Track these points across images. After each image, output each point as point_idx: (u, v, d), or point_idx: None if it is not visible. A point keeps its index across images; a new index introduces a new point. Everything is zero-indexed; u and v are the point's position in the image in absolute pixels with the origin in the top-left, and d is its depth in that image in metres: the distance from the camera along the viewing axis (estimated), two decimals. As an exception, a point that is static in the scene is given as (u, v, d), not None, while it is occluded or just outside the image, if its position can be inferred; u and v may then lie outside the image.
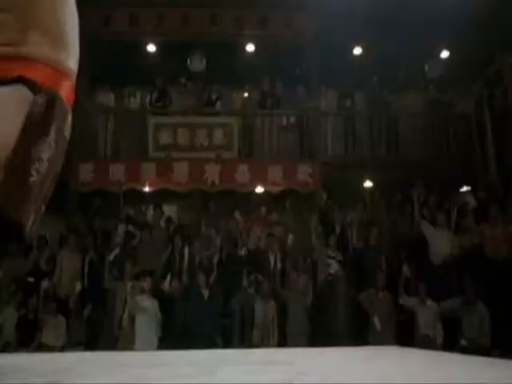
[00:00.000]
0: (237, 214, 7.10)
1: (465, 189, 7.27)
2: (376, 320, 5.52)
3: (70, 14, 1.29)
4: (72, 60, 1.28)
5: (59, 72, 1.23)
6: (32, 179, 1.13)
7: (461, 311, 5.29)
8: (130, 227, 6.79)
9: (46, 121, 1.16)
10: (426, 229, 6.08)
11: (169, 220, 7.03)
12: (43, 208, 1.19)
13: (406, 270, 5.96)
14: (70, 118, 1.27)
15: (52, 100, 1.18)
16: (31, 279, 6.30)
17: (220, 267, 6.20)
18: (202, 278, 5.76)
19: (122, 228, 6.93)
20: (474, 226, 5.88)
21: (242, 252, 6.37)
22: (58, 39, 1.24)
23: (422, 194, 6.63)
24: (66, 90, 1.24)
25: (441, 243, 5.89)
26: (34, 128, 1.14)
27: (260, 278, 6.01)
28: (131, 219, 7.16)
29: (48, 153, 1.17)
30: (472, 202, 6.39)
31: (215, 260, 6.30)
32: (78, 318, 5.79)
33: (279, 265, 6.30)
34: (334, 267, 6.14)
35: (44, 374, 1.64)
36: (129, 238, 6.56)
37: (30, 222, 1.13)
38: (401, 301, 5.69)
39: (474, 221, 5.98)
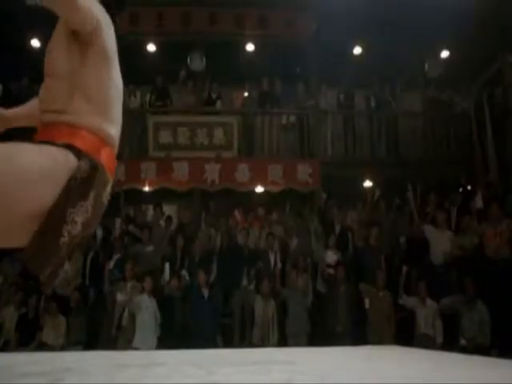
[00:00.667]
0: (236, 213, 7.10)
1: (469, 189, 7.28)
2: (367, 303, 5.56)
3: (115, 86, 1.39)
4: (114, 128, 1.36)
5: (101, 140, 1.31)
6: (62, 240, 1.19)
7: (460, 309, 5.29)
8: (131, 227, 6.78)
9: (87, 186, 1.23)
10: (427, 231, 6.07)
11: (169, 219, 7.04)
12: (65, 263, 1.24)
13: (405, 270, 5.96)
14: (109, 185, 1.34)
15: (94, 168, 1.25)
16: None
17: (220, 266, 6.20)
18: (202, 277, 5.76)
19: (118, 222, 6.95)
20: (474, 226, 5.87)
21: (242, 251, 6.37)
22: (102, 109, 1.32)
23: (419, 194, 6.61)
24: (107, 158, 1.32)
25: (441, 243, 5.88)
26: (74, 191, 1.20)
27: (261, 267, 6.03)
28: (131, 219, 7.17)
29: (83, 217, 1.22)
30: (479, 203, 6.38)
31: (215, 259, 6.30)
32: (78, 317, 5.79)
33: (279, 264, 6.30)
34: (334, 258, 6.15)
35: (45, 373, 1.64)
36: (129, 237, 6.56)
37: (46, 275, 1.20)
38: (401, 301, 5.70)
39: (474, 220, 5.97)
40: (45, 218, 1.16)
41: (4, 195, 1.11)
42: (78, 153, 1.23)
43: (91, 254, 6.33)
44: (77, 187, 1.20)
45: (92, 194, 1.24)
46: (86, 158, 1.24)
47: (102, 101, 1.33)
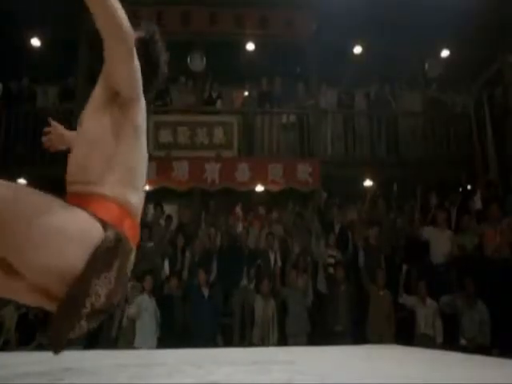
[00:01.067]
0: (237, 209, 7.08)
1: (469, 189, 7.28)
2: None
3: (142, 157, 1.41)
4: (137, 196, 1.37)
5: (126, 211, 1.33)
6: (84, 311, 1.21)
7: (460, 308, 5.29)
8: None
9: (111, 257, 1.24)
10: (426, 233, 6.07)
11: (169, 218, 7.03)
12: (84, 325, 1.24)
13: (405, 269, 5.96)
14: (133, 256, 1.35)
15: (118, 238, 1.26)
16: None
17: (220, 266, 6.20)
18: (202, 276, 5.76)
19: None
20: (474, 226, 5.87)
21: (242, 251, 6.37)
22: (129, 179, 1.35)
23: (419, 195, 6.61)
24: (130, 228, 1.33)
25: (441, 243, 5.89)
26: (99, 262, 1.21)
27: (261, 267, 6.03)
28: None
29: (107, 288, 1.23)
30: (478, 203, 6.39)
31: (215, 259, 6.30)
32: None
33: (279, 264, 6.31)
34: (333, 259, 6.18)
35: (45, 372, 1.64)
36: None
37: (65, 336, 1.22)
38: (401, 300, 5.70)
39: (474, 220, 5.98)
40: (70, 289, 1.18)
41: (45, 245, 1.14)
42: (104, 223, 1.25)
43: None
44: (102, 257, 1.21)
45: (116, 265, 1.25)
46: (112, 229, 1.26)
47: (129, 172, 1.35)
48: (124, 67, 1.30)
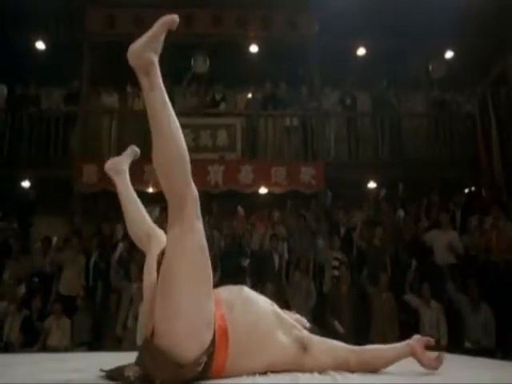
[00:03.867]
0: (240, 210, 7.06)
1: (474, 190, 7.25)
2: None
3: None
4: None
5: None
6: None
7: (464, 310, 5.27)
8: None
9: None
10: (429, 238, 6.04)
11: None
12: None
13: (410, 271, 5.94)
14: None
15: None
16: (36, 280, 6.32)
17: (223, 268, 6.19)
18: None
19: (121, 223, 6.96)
20: (477, 227, 5.85)
21: (246, 253, 6.36)
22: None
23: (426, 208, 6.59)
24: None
25: (445, 244, 5.86)
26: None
27: (265, 269, 6.02)
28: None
29: None
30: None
31: (218, 261, 6.29)
32: (83, 318, 5.80)
33: (283, 266, 6.29)
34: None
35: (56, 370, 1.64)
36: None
37: None
38: (406, 298, 5.65)
39: (478, 222, 5.95)
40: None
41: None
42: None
43: (95, 255, 6.35)
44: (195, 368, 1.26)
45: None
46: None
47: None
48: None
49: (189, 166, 1.33)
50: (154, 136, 1.25)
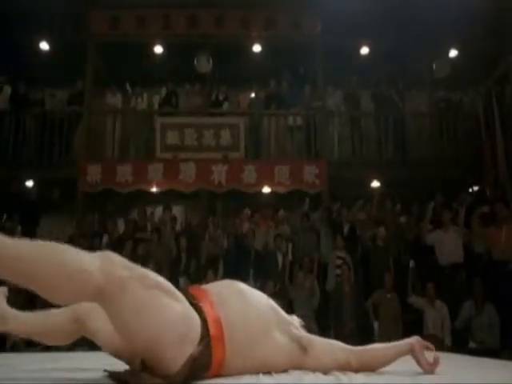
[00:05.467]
0: (246, 210, 7.07)
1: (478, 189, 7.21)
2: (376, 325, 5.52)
3: None
4: None
5: None
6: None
7: (469, 311, 5.25)
8: (139, 231, 6.80)
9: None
10: (431, 239, 6.01)
11: (174, 220, 7.03)
12: None
13: (412, 270, 5.92)
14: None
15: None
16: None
17: (227, 268, 6.19)
18: (210, 278, 5.76)
19: (124, 223, 7.00)
20: (482, 227, 5.82)
21: (249, 253, 6.36)
22: None
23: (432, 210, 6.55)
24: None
25: (449, 244, 5.83)
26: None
27: (268, 269, 6.01)
28: (138, 220, 7.18)
29: None
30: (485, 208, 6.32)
31: (222, 261, 6.30)
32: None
33: (287, 265, 6.29)
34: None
35: (62, 369, 1.65)
36: (137, 238, 6.58)
37: None
38: (410, 300, 5.65)
39: (482, 221, 5.92)
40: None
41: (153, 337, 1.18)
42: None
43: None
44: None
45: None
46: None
47: None
48: None
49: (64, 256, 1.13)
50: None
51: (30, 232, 7.20)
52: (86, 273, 1.12)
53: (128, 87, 8.27)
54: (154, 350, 1.19)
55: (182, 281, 5.84)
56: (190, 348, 1.23)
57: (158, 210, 7.63)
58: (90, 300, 1.18)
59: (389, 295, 5.65)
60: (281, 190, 7.74)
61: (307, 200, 7.30)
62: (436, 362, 1.44)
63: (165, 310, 1.21)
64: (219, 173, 7.66)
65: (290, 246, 6.55)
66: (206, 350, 1.26)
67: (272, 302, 1.50)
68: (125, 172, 7.63)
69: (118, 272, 1.17)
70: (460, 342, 5.17)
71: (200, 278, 6.00)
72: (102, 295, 1.14)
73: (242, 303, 1.40)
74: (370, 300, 5.72)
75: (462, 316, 5.29)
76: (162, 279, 1.27)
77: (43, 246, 1.13)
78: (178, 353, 1.21)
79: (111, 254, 1.23)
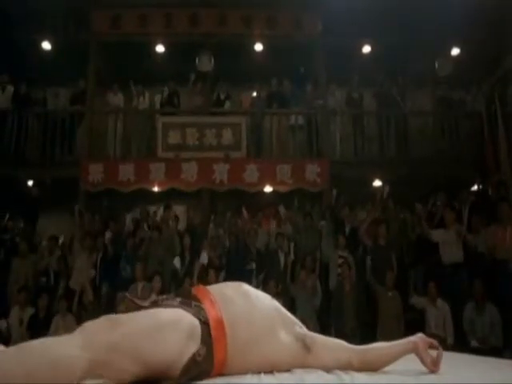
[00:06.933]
0: (244, 211, 7.07)
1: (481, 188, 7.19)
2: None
3: None
4: None
5: None
6: None
7: (470, 310, 5.24)
8: (141, 229, 6.81)
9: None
10: (435, 236, 5.99)
11: (176, 219, 7.04)
12: None
13: (415, 269, 5.91)
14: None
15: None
16: (43, 278, 6.36)
17: (228, 267, 6.20)
18: (212, 277, 5.76)
19: (127, 222, 7.01)
20: (484, 226, 5.80)
21: (251, 251, 6.36)
22: None
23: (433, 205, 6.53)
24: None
25: (451, 243, 5.82)
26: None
27: (269, 268, 6.00)
28: (140, 219, 7.19)
29: None
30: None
31: (224, 260, 6.30)
32: (89, 317, 5.82)
33: (289, 264, 6.29)
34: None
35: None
36: (139, 237, 6.58)
37: None
38: (411, 301, 5.64)
39: (484, 220, 5.90)
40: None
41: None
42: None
43: (101, 254, 6.37)
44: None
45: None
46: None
47: None
48: None
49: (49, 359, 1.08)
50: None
51: (30, 231, 7.24)
52: (70, 359, 1.09)
53: (132, 86, 8.27)
54: (158, 361, 1.19)
55: (182, 279, 5.85)
56: (192, 349, 1.23)
57: (160, 209, 7.64)
58: (87, 375, 1.11)
59: (390, 293, 5.64)
60: (282, 188, 7.74)
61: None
62: (439, 359, 1.43)
63: (160, 324, 1.22)
64: (221, 172, 7.66)
65: (292, 245, 6.54)
66: (207, 351, 1.26)
67: (276, 303, 1.50)
68: (127, 171, 7.64)
69: (103, 338, 1.16)
70: (462, 341, 5.16)
71: (202, 276, 6.01)
72: (100, 364, 1.12)
73: (247, 304, 1.40)
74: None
75: (466, 317, 5.28)
76: (153, 310, 1.29)
77: (18, 352, 1.09)
78: (180, 354, 1.21)
79: (89, 324, 1.24)
